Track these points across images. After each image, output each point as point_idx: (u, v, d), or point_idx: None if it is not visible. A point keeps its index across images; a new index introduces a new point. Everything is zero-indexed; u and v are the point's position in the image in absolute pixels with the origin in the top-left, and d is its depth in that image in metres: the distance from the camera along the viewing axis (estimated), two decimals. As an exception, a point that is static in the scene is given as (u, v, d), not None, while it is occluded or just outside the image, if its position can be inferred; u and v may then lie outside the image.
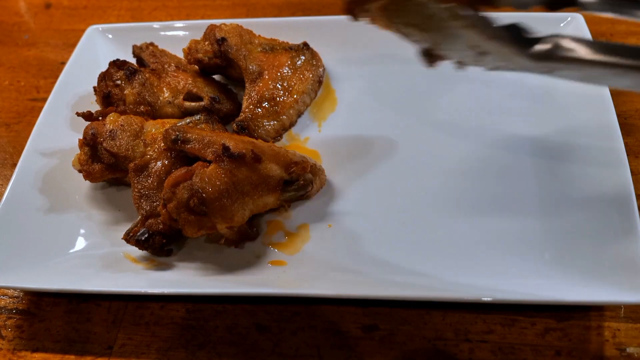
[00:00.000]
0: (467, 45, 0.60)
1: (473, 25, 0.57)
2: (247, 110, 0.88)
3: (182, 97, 0.90)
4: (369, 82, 0.96)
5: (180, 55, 0.96)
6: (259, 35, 0.96)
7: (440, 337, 0.69)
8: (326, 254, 0.75)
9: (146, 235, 0.75)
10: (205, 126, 0.85)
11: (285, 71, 0.92)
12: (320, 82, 0.96)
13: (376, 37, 0.97)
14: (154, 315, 0.74)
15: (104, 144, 0.80)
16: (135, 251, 0.78)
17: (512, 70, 0.59)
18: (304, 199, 0.80)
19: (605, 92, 0.81)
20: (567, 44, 0.54)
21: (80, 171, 0.82)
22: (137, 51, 0.96)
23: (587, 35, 0.89)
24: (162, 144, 0.80)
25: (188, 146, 0.77)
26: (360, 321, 0.71)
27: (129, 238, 0.76)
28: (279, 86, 0.91)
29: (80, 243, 0.80)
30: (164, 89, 0.90)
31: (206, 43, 0.92)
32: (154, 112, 0.88)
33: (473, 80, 0.93)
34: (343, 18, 1.02)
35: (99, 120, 0.84)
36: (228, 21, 0.94)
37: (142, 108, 0.86)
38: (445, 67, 0.93)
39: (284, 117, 0.90)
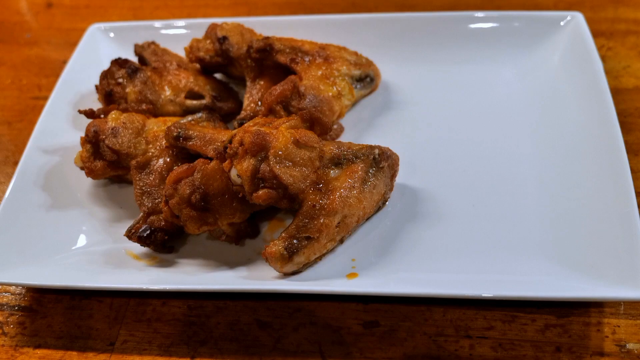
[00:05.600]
0: None
1: None
2: (248, 108, 0.89)
3: (183, 95, 0.91)
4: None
5: (182, 53, 0.97)
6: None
7: (440, 333, 0.69)
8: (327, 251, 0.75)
9: (148, 232, 0.76)
10: (206, 124, 0.85)
11: None
12: None
13: (376, 37, 0.98)
14: (156, 312, 0.74)
15: (106, 142, 0.80)
16: (137, 248, 0.78)
17: None
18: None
19: (605, 90, 0.82)
20: None
21: (82, 168, 0.83)
22: (138, 50, 0.96)
23: (587, 34, 0.89)
24: (164, 142, 0.80)
25: (189, 143, 0.77)
26: (361, 317, 0.71)
27: (131, 235, 0.76)
28: None
29: (82, 240, 0.80)
30: (166, 87, 0.90)
31: (207, 42, 0.93)
32: (155, 110, 0.88)
33: (473, 82, 0.93)
34: (344, 17, 1.03)
35: (101, 117, 0.84)
36: (229, 20, 0.94)
37: (144, 106, 0.87)
38: (444, 71, 0.94)
39: None
